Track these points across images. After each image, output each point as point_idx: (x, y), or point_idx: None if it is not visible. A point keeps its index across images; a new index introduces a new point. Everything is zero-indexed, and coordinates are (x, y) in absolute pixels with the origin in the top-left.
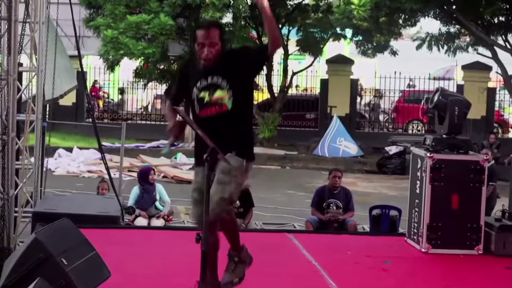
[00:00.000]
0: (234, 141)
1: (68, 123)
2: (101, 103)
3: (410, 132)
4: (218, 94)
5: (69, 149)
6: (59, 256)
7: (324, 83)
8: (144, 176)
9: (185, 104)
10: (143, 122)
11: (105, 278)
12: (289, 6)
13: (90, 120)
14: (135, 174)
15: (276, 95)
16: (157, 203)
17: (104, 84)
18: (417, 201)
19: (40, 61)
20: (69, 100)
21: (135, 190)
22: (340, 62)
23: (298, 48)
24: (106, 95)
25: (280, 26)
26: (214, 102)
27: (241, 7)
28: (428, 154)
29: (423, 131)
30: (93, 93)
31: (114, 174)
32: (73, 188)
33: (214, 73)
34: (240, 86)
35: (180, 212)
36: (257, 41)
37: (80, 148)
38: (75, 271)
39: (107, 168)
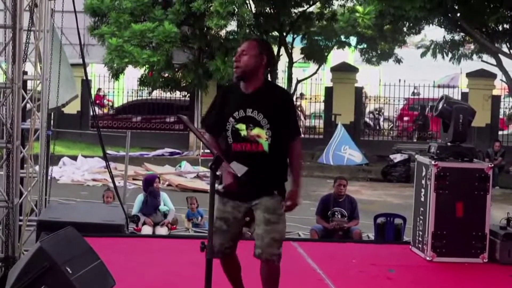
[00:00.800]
0: (272, 182)
1: (72, 131)
2: (106, 111)
3: (414, 140)
4: (256, 131)
5: (74, 158)
6: (63, 265)
7: (328, 91)
8: (149, 184)
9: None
10: (148, 130)
11: (110, 286)
12: (293, 14)
13: (95, 128)
14: (139, 183)
15: None
16: (161, 207)
17: (109, 92)
18: (421, 209)
19: (44, 69)
20: (73, 108)
21: (140, 198)
22: (344, 70)
23: (302, 56)
24: (110, 103)
25: (284, 34)
26: (250, 138)
27: (245, 15)
28: (433, 162)
29: (415, 139)
30: (97, 101)
31: (119, 183)
32: (77, 197)
33: (255, 106)
34: (278, 128)
35: (184, 221)
36: None
37: (85, 157)
38: (80, 279)
39: (112, 177)
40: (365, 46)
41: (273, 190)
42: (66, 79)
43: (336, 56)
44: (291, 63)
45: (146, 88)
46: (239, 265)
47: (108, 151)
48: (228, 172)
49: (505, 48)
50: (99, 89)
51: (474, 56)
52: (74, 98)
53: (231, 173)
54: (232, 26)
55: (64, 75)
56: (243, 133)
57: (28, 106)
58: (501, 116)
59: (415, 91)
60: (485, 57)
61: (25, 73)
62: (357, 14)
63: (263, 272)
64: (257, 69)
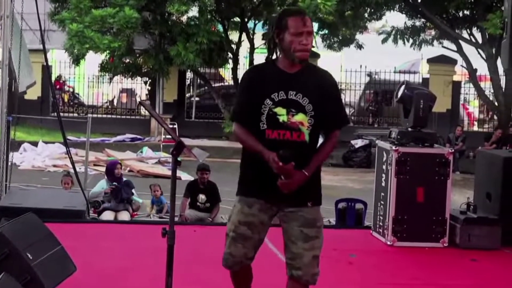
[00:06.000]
0: (311, 185)
1: (33, 117)
2: (66, 97)
3: (376, 125)
4: (299, 118)
5: (35, 144)
6: (24, 250)
7: None
8: (111, 172)
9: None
10: (109, 116)
11: (71, 272)
12: (255, 0)
13: (56, 114)
14: (100, 168)
15: None
16: (134, 197)
17: (69, 78)
18: (382, 194)
19: (4, 55)
20: (34, 94)
21: (102, 183)
22: None
23: (264, 41)
24: (71, 89)
25: (246, 19)
26: (291, 126)
27: (207, 0)
28: (394, 147)
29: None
30: (57, 87)
31: (80, 168)
32: (38, 183)
33: (300, 89)
34: (322, 116)
35: (146, 206)
36: (223, 35)
37: (46, 142)
38: (41, 265)
39: (73, 162)
40: (327, 32)
41: (310, 199)
42: (26, 65)
43: None
44: (252, 48)
45: (107, 74)
46: (252, 275)
47: (69, 137)
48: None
49: (465, 34)
50: (59, 75)
51: (435, 42)
52: (33, 85)
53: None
54: (193, 11)
55: (24, 61)
56: (282, 118)
57: None
58: (461, 102)
59: (376, 77)
60: (446, 43)
61: None
62: (319, 0)
63: None
64: None
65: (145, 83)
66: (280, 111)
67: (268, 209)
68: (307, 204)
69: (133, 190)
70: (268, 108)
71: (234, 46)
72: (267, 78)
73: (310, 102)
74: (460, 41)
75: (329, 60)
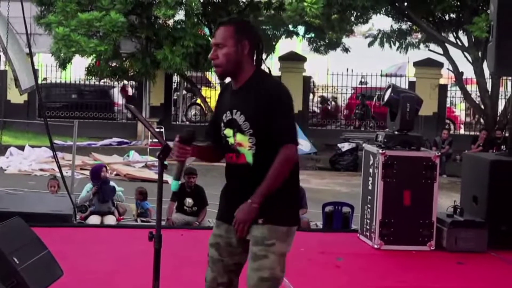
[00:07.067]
0: (266, 203)
1: (20, 121)
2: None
3: (362, 129)
4: (238, 138)
5: (21, 148)
6: (10, 255)
7: None
8: (97, 175)
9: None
10: (96, 120)
11: (58, 277)
12: (241, 3)
13: (42, 118)
14: (87, 172)
15: None
16: (118, 193)
17: (56, 82)
18: (369, 197)
19: None
20: (20, 98)
21: (88, 187)
22: (292, 59)
23: None
24: None
25: None
26: (235, 148)
27: (193, 4)
28: (380, 151)
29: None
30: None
31: (66, 172)
32: (25, 187)
33: (238, 106)
34: (265, 133)
35: (132, 210)
36: (209, 38)
37: (32, 146)
38: (27, 270)
39: (59, 167)
40: (313, 35)
41: (259, 218)
42: (27, 68)
43: (284, 45)
44: None
45: (93, 78)
46: None
47: (56, 141)
48: None
49: (451, 37)
50: (44, 79)
51: (421, 45)
52: (31, 89)
53: None
54: (180, 15)
55: (24, 64)
56: (230, 140)
57: None
58: (448, 105)
59: (363, 80)
60: (432, 46)
61: None
62: (305, 4)
63: None
64: (240, 61)
65: (131, 86)
66: (229, 132)
67: (233, 232)
68: (257, 221)
69: (111, 184)
70: (221, 131)
71: None
72: (224, 98)
73: (246, 119)
74: (446, 44)
75: (316, 64)
